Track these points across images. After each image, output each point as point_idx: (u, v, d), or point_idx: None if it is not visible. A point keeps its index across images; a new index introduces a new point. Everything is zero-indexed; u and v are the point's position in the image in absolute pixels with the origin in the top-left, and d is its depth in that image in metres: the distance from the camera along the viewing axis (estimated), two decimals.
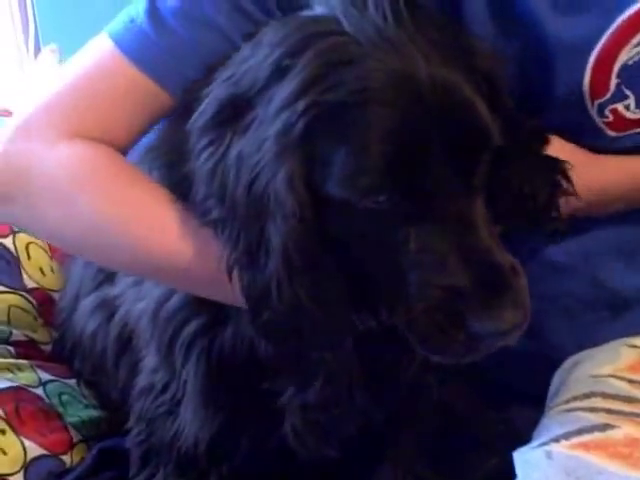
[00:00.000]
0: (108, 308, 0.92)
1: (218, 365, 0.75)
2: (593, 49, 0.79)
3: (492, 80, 0.65)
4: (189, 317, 0.76)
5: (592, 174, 0.82)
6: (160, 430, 0.82)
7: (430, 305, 0.59)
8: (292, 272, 0.60)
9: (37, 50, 1.59)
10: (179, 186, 0.70)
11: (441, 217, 0.59)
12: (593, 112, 0.85)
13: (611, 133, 0.86)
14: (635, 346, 0.80)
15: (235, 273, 0.63)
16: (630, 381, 0.72)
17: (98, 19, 1.68)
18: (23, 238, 1.13)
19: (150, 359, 0.82)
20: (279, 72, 0.61)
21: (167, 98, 0.77)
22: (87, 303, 0.97)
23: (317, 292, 0.61)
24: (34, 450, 0.90)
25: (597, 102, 0.84)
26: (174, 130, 0.73)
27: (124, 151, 0.77)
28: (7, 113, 1.30)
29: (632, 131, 0.86)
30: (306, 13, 0.66)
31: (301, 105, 0.58)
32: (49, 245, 1.17)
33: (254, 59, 0.64)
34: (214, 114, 0.64)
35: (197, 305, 0.75)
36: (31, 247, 1.14)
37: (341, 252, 0.62)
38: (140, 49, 0.77)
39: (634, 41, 0.80)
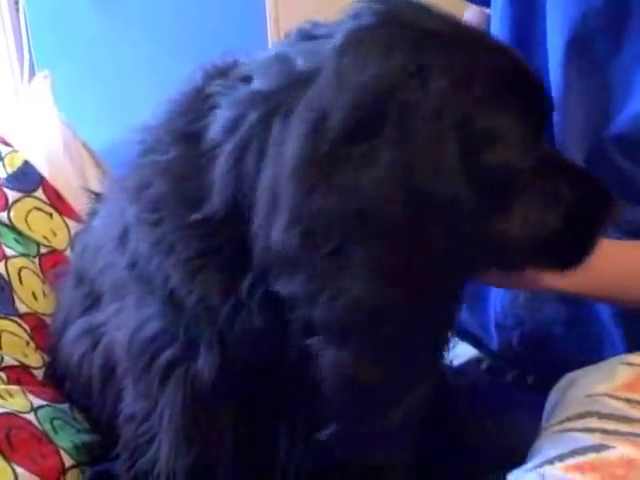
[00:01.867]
0: (93, 336, 0.91)
1: (193, 395, 0.74)
2: None
3: None
4: (163, 346, 0.75)
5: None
6: (143, 458, 0.81)
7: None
8: None
9: (32, 76, 1.60)
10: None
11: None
12: None
13: None
14: (632, 364, 0.79)
15: None
16: (626, 400, 0.71)
17: (92, 45, 1.71)
18: (15, 263, 1.13)
19: (130, 388, 0.82)
20: None
21: None
22: (74, 329, 0.96)
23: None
24: (26, 477, 0.88)
25: None
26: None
27: None
28: (1, 140, 1.31)
29: None
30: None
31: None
32: (41, 269, 1.17)
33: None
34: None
35: (170, 334, 0.74)
36: (23, 272, 1.13)
37: None
38: None
39: None
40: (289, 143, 0.62)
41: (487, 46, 0.67)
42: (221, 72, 0.76)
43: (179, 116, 0.75)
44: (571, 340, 1.01)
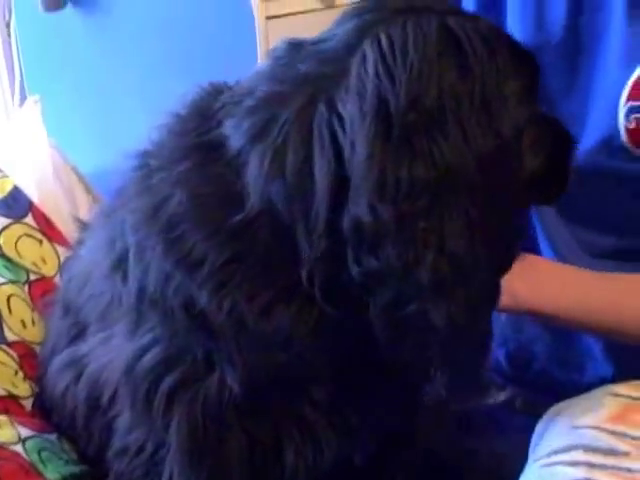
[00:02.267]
0: (77, 367, 0.90)
1: (204, 419, 0.73)
2: None
3: None
4: (167, 371, 0.74)
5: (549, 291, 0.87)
6: None
7: None
8: None
9: (22, 101, 1.60)
10: None
11: None
12: (622, 110, 0.87)
13: (625, 139, 0.88)
14: (618, 394, 0.79)
15: None
16: (612, 432, 0.71)
17: (82, 71, 1.71)
18: (4, 290, 1.13)
19: (123, 419, 0.81)
20: None
21: None
22: (58, 360, 0.95)
23: None
24: None
25: (630, 103, 0.86)
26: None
27: None
28: None
29: None
30: None
31: None
32: (31, 296, 1.16)
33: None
34: None
35: (175, 358, 0.74)
36: (12, 299, 1.13)
37: None
38: None
39: None
40: (354, 129, 0.65)
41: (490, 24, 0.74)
42: (220, 90, 0.78)
43: (184, 133, 0.76)
44: (553, 359, 1.03)
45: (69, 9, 1.67)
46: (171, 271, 0.72)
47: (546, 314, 0.86)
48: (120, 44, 1.66)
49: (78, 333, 0.92)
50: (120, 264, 0.77)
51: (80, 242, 1.04)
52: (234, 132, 0.71)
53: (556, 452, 0.69)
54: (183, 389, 0.74)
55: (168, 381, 0.74)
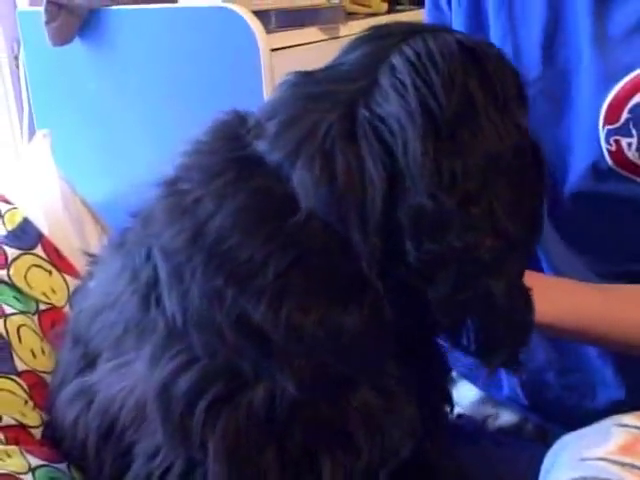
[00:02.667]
0: (86, 396, 0.89)
1: (248, 434, 0.73)
2: (624, 77, 0.90)
3: None
4: (205, 388, 0.73)
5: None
6: None
7: None
8: None
9: (31, 135, 1.62)
10: None
11: None
12: (602, 134, 0.90)
13: (610, 162, 0.90)
14: (626, 425, 0.80)
15: None
16: (622, 464, 0.72)
17: (91, 103, 1.73)
18: (15, 321, 1.13)
19: (146, 443, 0.79)
20: None
21: None
22: (68, 390, 0.94)
23: None
24: None
25: (607, 127, 0.89)
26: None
27: None
28: (2, 198, 1.31)
29: (628, 174, 0.89)
30: None
31: None
32: (41, 326, 1.17)
33: None
34: None
35: (215, 374, 0.73)
36: (22, 330, 1.13)
37: None
38: None
39: None
40: (404, 128, 0.71)
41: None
42: (242, 116, 0.81)
43: (214, 152, 0.78)
44: (564, 387, 1.04)
45: (76, 43, 1.70)
46: (221, 288, 0.72)
47: (543, 324, 0.87)
48: (126, 77, 1.68)
49: (88, 363, 0.91)
50: (148, 292, 0.78)
51: (89, 274, 1.03)
52: (271, 146, 0.74)
53: None
54: (226, 403, 0.73)
55: (207, 397, 0.73)
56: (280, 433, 0.73)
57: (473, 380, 1.21)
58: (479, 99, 0.73)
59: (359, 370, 0.75)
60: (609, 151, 0.93)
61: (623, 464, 0.71)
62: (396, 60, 0.73)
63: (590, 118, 0.93)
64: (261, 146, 0.75)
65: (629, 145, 0.90)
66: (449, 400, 0.89)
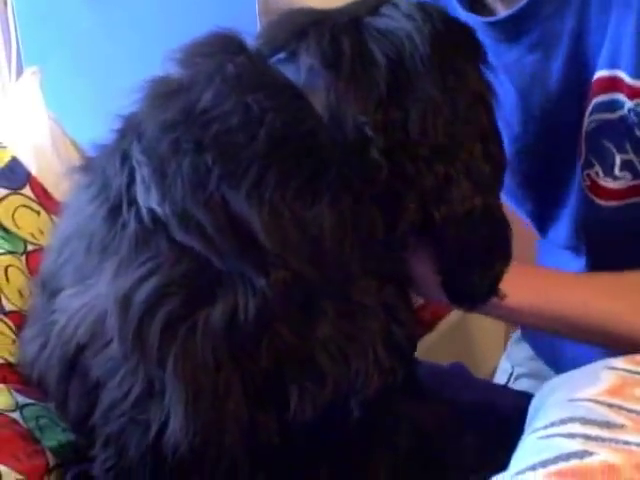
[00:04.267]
0: (45, 332, 0.85)
1: (208, 349, 0.70)
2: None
3: None
4: (165, 294, 0.71)
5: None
6: (134, 443, 0.75)
7: None
8: None
9: (19, 72, 1.59)
10: None
11: None
12: (579, 174, 0.90)
13: (594, 198, 0.90)
14: (615, 368, 0.79)
15: None
16: (609, 405, 0.71)
17: (82, 41, 1.70)
18: (2, 261, 1.12)
19: (102, 357, 0.76)
20: None
21: None
22: (29, 332, 0.92)
23: None
24: (9, 476, 0.88)
25: (579, 164, 0.89)
26: None
27: None
28: None
29: (621, 202, 0.89)
30: None
31: None
32: (28, 267, 1.16)
33: None
34: None
35: (174, 284, 0.71)
36: (10, 270, 1.12)
37: None
38: None
39: (589, 109, 0.85)
40: (411, 36, 0.78)
41: None
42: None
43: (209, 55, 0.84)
44: None
45: None
46: (208, 166, 0.72)
47: (510, 308, 0.88)
48: (121, 14, 1.65)
49: (51, 303, 0.86)
50: (119, 198, 0.76)
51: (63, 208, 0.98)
52: (267, 39, 0.84)
53: (553, 424, 0.69)
54: (182, 317, 0.70)
55: (164, 309, 0.70)
56: (242, 356, 0.72)
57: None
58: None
59: (329, 282, 0.74)
60: (587, 187, 0.94)
61: (611, 405, 0.71)
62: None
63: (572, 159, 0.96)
64: (262, 45, 0.83)
65: (597, 174, 0.91)
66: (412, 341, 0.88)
